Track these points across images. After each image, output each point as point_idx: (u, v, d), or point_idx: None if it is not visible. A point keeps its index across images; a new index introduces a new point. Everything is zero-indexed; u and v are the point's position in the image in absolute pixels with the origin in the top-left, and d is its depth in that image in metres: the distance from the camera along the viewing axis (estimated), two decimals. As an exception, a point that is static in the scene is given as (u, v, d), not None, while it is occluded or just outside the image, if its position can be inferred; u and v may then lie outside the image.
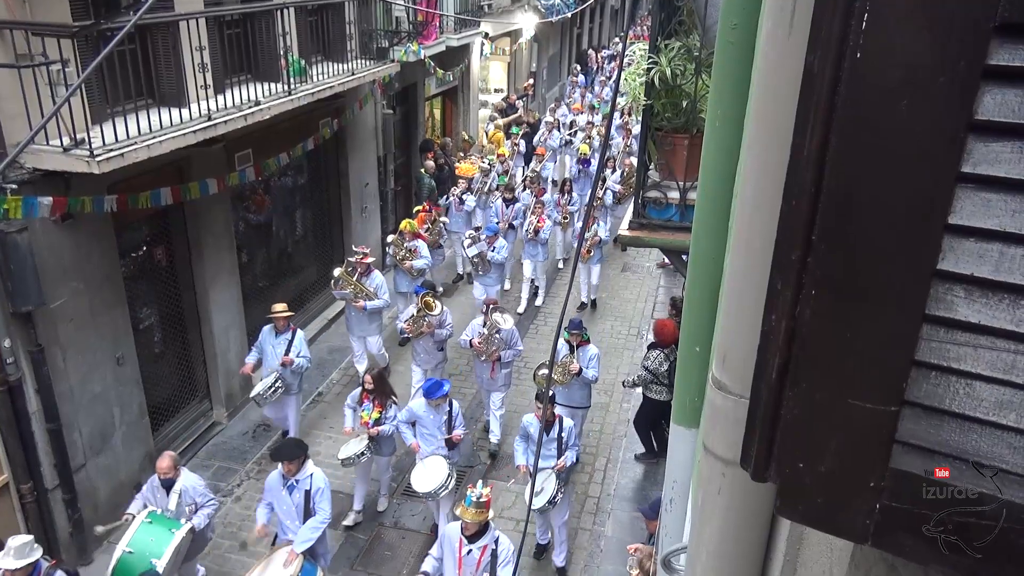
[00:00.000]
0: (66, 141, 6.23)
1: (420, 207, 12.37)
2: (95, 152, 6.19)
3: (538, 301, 13.59)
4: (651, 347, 8.87)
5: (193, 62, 7.44)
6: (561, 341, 8.44)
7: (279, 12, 8.70)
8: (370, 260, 9.81)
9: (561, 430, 7.53)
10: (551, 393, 7.53)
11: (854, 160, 0.95)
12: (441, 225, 12.46)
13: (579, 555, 8.09)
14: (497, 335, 8.92)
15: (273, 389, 8.42)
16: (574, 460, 7.70)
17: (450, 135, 17.72)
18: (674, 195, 4.05)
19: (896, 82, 0.92)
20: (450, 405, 7.79)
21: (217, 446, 9.35)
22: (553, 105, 21.95)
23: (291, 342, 8.57)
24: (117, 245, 7.62)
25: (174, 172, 8.02)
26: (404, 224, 11.14)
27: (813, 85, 0.97)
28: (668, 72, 3.76)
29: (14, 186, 6.20)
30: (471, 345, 8.97)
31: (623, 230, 4.10)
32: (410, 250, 10.90)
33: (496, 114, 19.72)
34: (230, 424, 9.68)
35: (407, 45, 12.32)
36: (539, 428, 7.02)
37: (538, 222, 12.49)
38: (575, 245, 12.84)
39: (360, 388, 7.99)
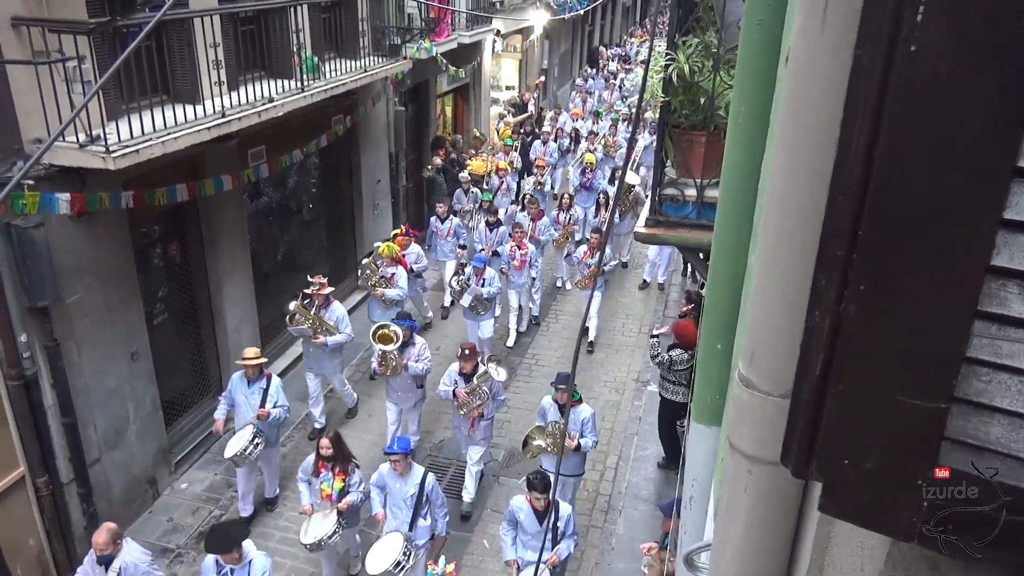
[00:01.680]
0: (82, 137, 6.27)
1: (398, 230, 10.99)
2: (111, 148, 6.22)
3: (509, 342, 11.88)
4: (672, 348, 8.49)
5: (207, 59, 7.47)
6: (547, 400, 7.64)
7: (292, 9, 8.72)
8: (328, 291, 8.79)
9: (556, 518, 6.39)
10: (552, 477, 6.26)
11: (905, 155, 0.94)
12: (417, 253, 10.95)
13: (590, 553, 8.09)
14: (486, 387, 7.84)
15: (253, 445, 7.39)
16: (570, 553, 6.61)
17: (461, 132, 17.72)
18: (691, 192, 4.04)
19: (951, 75, 0.90)
20: (423, 479, 6.63)
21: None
22: (553, 113, 20.45)
23: (266, 391, 7.64)
24: (131, 241, 7.66)
25: (188, 168, 8.04)
26: (383, 247, 10.05)
27: (862, 79, 0.96)
28: (686, 69, 3.76)
29: (31, 182, 6.24)
30: (454, 395, 7.91)
31: (639, 227, 4.10)
32: (385, 277, 9.97)
33: (508, 110, 19.62)
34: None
35: (419, 42, 12.34)
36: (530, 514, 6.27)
37: (520, 249, 11.15)
38: (580, 270, 11.83)
39: (313, 456, 6.87)
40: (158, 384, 8.26)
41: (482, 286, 10.36)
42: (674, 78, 3.80)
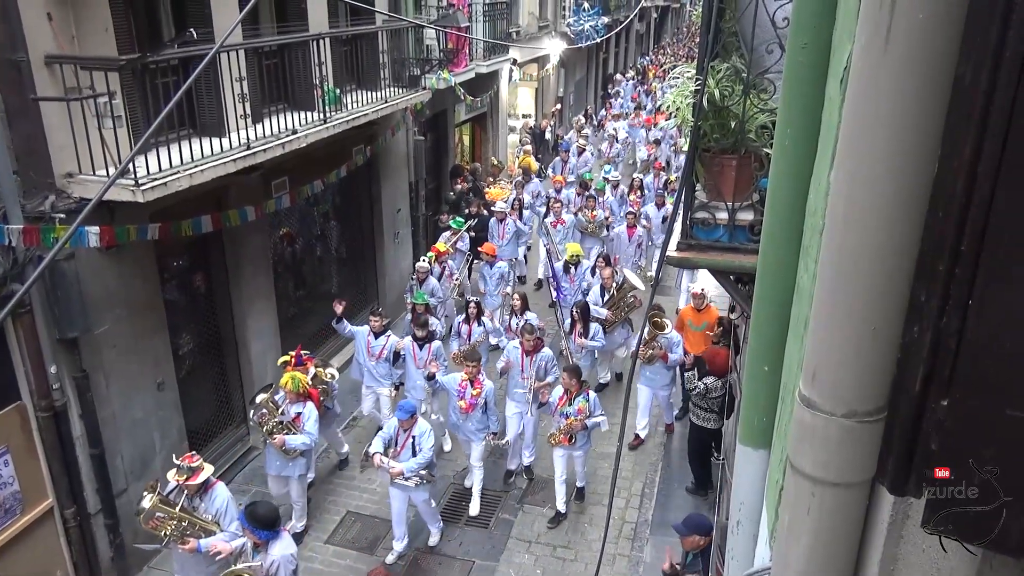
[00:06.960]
0: (112, 171, 6.35)
1: (289, 354, 7.98)
2: (140, 181, 6.31)
3: (473, 509, 8.52)
4: (704, 376, 8.25)
5: (233, 92, 7.59)
6: None
7: (314, 42, 8.86)
8: (205, 475, 6.28)
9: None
10: None
11: (1010, 169, 0.93)
12: (328, 383, 8.22)
13: (618, 582, 7.99)
14: None
15: None
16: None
17: (479, 160, 17.88)
18: (722, 216, 4.04)
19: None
20: None
21: (254, 470, 9.37)
22: (518, 180, 15.39)
23: None
24: (158, 272, 7.74)
25: (213, 200, 8.14)
26: (285, 380, 7.48)
27: (964, 96, 0.96)
28: (716, 93, 3.78)
29: (62, 215, 6.35)
30: None
31: (671, 251, 4.09)
32: (288, 420, 7.50)
33: (527, 135, 19.73)
34: (267, 448, 9.66)
35: (438, 72, 12.50)
36: None
37: (472, 387, 7.99)
38: (556, 420, 8.24)
39: None
40: (183, 413, 8.29)
41: (412, 451, 7.16)
42: (705, 103, 3.81)
